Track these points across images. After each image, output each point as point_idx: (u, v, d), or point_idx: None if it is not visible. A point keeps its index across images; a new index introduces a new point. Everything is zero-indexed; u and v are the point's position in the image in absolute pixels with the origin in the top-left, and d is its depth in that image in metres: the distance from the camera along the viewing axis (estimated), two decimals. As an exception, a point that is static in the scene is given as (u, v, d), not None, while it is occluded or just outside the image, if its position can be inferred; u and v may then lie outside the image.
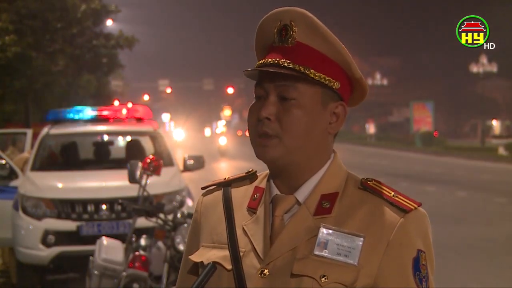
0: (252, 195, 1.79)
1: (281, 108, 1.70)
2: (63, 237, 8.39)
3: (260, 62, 1.75)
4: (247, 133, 1.78)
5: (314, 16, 1.73)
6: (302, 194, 1.73)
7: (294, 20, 1.71)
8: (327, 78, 1.71)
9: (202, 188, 1.91)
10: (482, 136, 49.06)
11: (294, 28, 1.71)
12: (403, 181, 22.78)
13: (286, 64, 1.70)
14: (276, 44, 1.73)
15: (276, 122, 1.70)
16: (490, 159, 35.97)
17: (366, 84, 1.79)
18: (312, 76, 1.70)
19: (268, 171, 1.81)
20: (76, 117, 9.96)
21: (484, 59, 46.18)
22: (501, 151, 38.76)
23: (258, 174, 1.85)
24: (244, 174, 1.86)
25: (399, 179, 23.15)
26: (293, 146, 1.70)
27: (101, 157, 10.19)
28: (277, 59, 1.71)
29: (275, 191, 1.76)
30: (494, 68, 46.79)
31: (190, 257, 1.83)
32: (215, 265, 1.72)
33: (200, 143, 55.68)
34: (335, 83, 1.73)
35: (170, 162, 9.34)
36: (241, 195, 1.82)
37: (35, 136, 11.15)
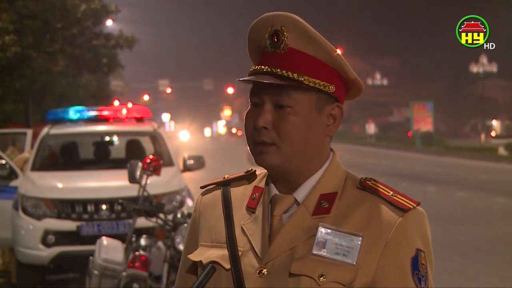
0: (251, 195, 1.80)
1: (277, 116, 1.71)
2: (63, 237, 8.38)
3: (253, 68, 1.75)
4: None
5: (304, 21, 1.72)
6: (301, 194, 1.74)
7: (285, 25, 1.71)
8: (321, 83, 1.71)
9: (201, 187, 1.91)
10: (483, 136, 49.07)
11: (285, 33, 1.71)
12: (403, 181, 22.79)
13: (280, 73, 1.70)
14: (268, 50, 1.73)
15: (273, 131, 1.71)
16: (490, 159, 35.99)
17: (361, 83, 1.79)
18: (307, 82, 1.70)
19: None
20: (76, 117, 9.96)
21: (484, 59, 46.20)
22: (501, 151, 38.78)
23: (257, 174, 1.85)
24: (243, 174, 1.87)
25: (399, 179, 23.17)
26: (291, 154, 1.71)
27: (101, 157, 10.18)
28: (271, 67, 1.71)
29: (274, 190, 1.77)
30: (494, 68, 46.81)
31: (189, 256, 1.83)
32: (214, 266, 1.72)
33: (215, 145, 52.95)
34: (330, 87, 1.73)
35: (170, 162, 9.34)
36: (240, 195, 1.82)
37: (35, 136, 11.14)
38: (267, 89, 1.72)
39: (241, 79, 1.74)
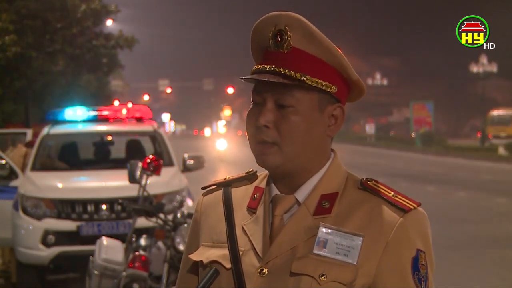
0: (252, 195, 1.80)
1: (279, 115, 1.71)
2: (63, 237, 8.39)
3: (256, 67, 1.76)
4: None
5: (308, 21, 1.73)
6: (302, 194, 1.74)
7: (289, 25, 1.72)
8: (324, 83, 1.72)
9: (203, 188, 1.92)
10: (482, 136, 49.05)
11: (289, 33, 1.71)
12: (403, 181, 22.78)
13: (282, 72, 1.70)
14: (272, 49, 1.73)
15: (274, 130, 1.71)
16: (490, 159, 35.97)
17: (363, 85, 1.80)
18: (309, 82, 1.70)
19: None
20: (76, 117, 9.96)
21: (484, 59, 46.22)
22: (501, 151, 38.76)
23: (258, 174, 1.86)
24: (244, 174, 1.87)
25: (399, 179, 23.15)
26: (292, 153, 1.71)
27: (101, 157, 10.19)
28: (273, 66, 1.71)
29: (275, 191, 1.77)
30: (494, 68, 46.83)
31: (189, 256, 1.83)
32: (217, 270, 1.73)
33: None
34: (332, 88, 1.73)
35: (170, 162, 9.34)
36: (241, 195, 1.82)
37: (35, 136, 11.14)
38: (269, 88, 1.72)
39: (243, 77, 1.74)
